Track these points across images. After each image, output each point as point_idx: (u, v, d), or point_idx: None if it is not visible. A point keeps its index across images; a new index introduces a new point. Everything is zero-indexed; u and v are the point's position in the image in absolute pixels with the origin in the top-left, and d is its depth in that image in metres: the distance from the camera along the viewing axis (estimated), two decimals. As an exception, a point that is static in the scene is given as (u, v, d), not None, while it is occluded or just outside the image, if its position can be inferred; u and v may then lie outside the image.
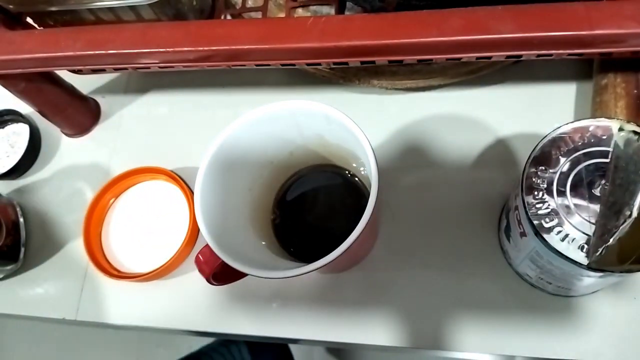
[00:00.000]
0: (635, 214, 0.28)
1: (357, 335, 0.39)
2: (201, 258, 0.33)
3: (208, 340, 0.84)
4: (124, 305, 0.44)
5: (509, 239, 0.36)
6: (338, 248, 0.29)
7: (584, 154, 0.31)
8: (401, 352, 0.40)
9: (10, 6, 0.40)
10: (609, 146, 0.31)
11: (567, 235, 0.29)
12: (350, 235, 0.29)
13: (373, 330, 0.39)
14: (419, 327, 0.38)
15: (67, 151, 0.52)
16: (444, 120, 0.44)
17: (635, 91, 0.37)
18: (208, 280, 0.34)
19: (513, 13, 0.30)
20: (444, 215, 0.41)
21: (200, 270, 0.33)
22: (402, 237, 0.41)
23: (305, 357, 1.07)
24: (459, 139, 0.43)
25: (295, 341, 0.41)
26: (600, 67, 0.40)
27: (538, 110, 0.42)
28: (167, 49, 0.36)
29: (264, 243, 0.36)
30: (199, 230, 0.44)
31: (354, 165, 0.38)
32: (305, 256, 0.30)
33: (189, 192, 0.44)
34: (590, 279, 0.32)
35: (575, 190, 0.30)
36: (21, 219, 0.49)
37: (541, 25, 0.30)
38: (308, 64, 0.37)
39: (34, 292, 0.47)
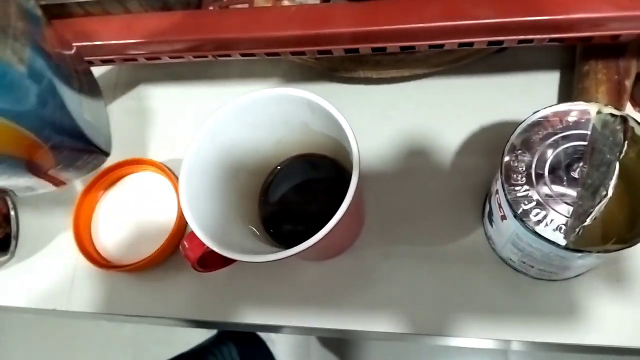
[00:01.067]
0: (610, 193, 0.28)
1: (345, 322, 0.39)
2: (186, 244, 0.33)
3: (202, 338, 0.84)
4: (114, 295, 0.44)
5: (491, 224, 0.37)
6: (318, 233, 0.30)
7: (562, 137, 0.31)
8: (389, 340, 0.41)
9: None
10: (587, 129, 0.31)
11: (545, 217, 0.30)
12: (330, 221, 0.30)
13: (361, 316, 0.39)
14: (405, 312, 0.39)
15: (58, 145, 0.52)
16: (429, 109, 0.44)
17: (616, 77, 0.38)
18: (194, 267, 0.34)
19: (491, -1, 0.31)
20: (430, 202, 0.41)
21: (186, 257, 0.34)
22: (388, 225, 0.41)
23: (303, 352, 1.08)
24: (444, 127, 0.43)
25: (283, 328, 0.42)
26: (582, 54, 0.40)
27: (522, 98, 0.43)
28: (154, 39, 0.36)
29: (251, 228, 0.37)
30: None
31: (340, 153, 0.39)
32: (292, 243, 0.30)
33: (177, 183, 0.45)
34: (571, 261, 0.32)
35: (554, 173, 0.31)
36: (12, 212, 0.49)
37: (519, 10, 0.30)
38: (292, 53, 0.38)
39: (26, 284, 0.47)
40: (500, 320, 0.37)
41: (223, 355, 0.75)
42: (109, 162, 0.47)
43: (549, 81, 0.43)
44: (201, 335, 0.85)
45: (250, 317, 0.41)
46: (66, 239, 0.47)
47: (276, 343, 0.97)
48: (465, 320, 0.38)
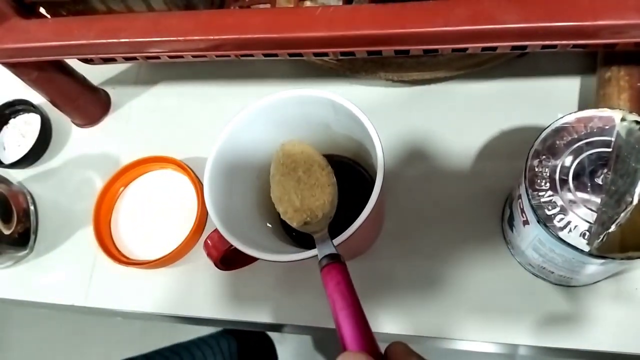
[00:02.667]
0: (635, 200, 0.28)
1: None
2: (209, 242, 0.33)
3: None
4: (132, 292, 0.45)
5: (512, 229, 0.37)
6: (340, 235, 0.30)
7: (586, 143, 0.31)
8: (406, 341, 0.41)
9: (25, -4, 0.41)
10: (611, 136, 0.31)
11: (569, 223, 0.30)
12: (354, 223, 0.30)
13: (377, 319, 0.39)
14: (422, 315, 0.39)
15: (78, 141, 0.53)
16: (449, 112, 0.44)
17: (639, 84, 0.38)
18: (216, 265, 0.35)
19: (518, 3, 0.31)
20: (448, 206, 0.41)
21: (209, 254, 0.34)
22: (406, 228, 0.41)
23: (308, 353, 1.08)
24: (464, 131, 0.43)
25: (298, 328, 0.42)
26: (604, 60, 0.40)
27: (542, 103, 0.43)
28: (178, 38, 0.37)
29: (270, 227, 0.37)
30: (206, 218, 0.45)
31: (360, 154, 0.39)
32: (310, 244, 0.31)
33: (197, 181, 0.45)
34: (592, 267, 0.32)
35: (578, 179, 0.31)
36: (32, 207, 0.50)
37: (545, 16, 0.30)
38: (315, 54, 0.38)
39: (44, 279, 0.48)
40: (517, 325, 0.37)
41: (221, 348, 0.74)
42: (129, 159, 0.48)
43: (569, 87, 0.43)
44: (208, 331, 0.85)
45: (267, 316, 0.41)
46: (85, 235, 0.47)
47: (282, 343, 0.97)
48: (480, 324, 0.38)
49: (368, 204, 0.30)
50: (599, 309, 0.37)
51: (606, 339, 0.36)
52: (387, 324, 0.39)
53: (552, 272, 0.35)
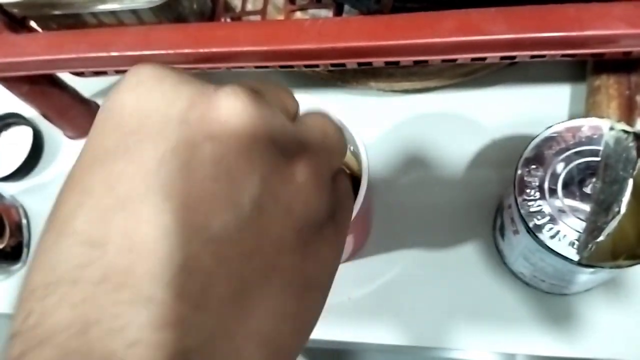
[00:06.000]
0: (623, 210, 0.28)
1: (347, 334, 0.39)
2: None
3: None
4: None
5: (503, 238, 0.37)
6: None
7: (575, 152, 0.32)
8: (396, 352, 0.41)
9: (15, 10, 0.41)
10: (599, 145, 0.31)
11: (558, 232, 0.30)
12: None
13: (366, 328, 0.39)
14: (413, 324, 0.39)
15: (70, 153, 0.53)
16: (440, 121, 0.45)
17: (627, 92, 0.38)
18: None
19: (505, 15, 0.31)
20: (440, 214, 0.41)
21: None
22: (397, 235, 0.41)
23: None
24: (455, 140, 0.43)
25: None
26: (593, 68, 0.41)
27: (533, 112, 0.43)
28: (169, 51, 0.37)
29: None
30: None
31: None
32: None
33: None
34: (583, 276, 0.32)
35: (567, 189, 0.31)
36: (24, 220, 0.49)
37: (533, 26, 0.30)
38: (306, 66, 0.38)
39: (37, 292, 0.47)
40: (509, 334, 0.37)
41: None
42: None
43: (559, 94, 0.44)
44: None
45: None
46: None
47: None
48: (473, 333, 0.38)
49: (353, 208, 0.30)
50: (592, 316, 0.37)
51: (600, 346, 0.36)
52: (375, 334, 0.39)
53: (544, 281, 0.36)
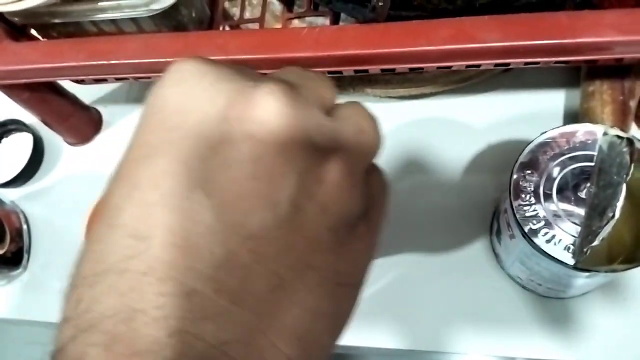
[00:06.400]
0: (617, 214, 0.29)
1: (347, 337, 0.39)
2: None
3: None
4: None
5: (500, 242, 0.37)
6: None
7: (569, 158, 0.32)
8: (394, 356, 0.41)
9: (16, 19, 0.41)
10: (593, 150, 0.32)
11: (553, 237, 0.30)
12: None
13: (364, 331, 0.40)
14: (411, 328, 0.39)
15: (70, 159, 0.53)
16: (436, 127, 0.45)
17: (621, 97, 0.39)
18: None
19: (499, 23, 0.31)
20: (437, 219, 0.42)
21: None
22: (395, 240, 0.42)
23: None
24: (452, 145, 0.44)
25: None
26: (587, 74, 0.41)
27: (528, 117, 0.43)
28: (168, 59, 0.37)
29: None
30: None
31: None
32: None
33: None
34: (579, 280, 0.33)
35: (562, 193, 0.31)
36: (25, 226, 0.50)
37: (526, 34, 0.31)
38: (303, 73, 0.38)
39: (37, 298, 0.48)
40: (507, 338, 0.38)
41: None
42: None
43: (554, 100, 0.44)
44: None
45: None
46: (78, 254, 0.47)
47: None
48: (470, 336, 0.38)
49: None
50: (589, 320, 0.37)
51: (597, 349, 0.36)
52: (372, 338, 0.39)
53: (540, 285, 0.36)
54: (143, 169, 0.15)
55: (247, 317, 0.15)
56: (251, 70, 0.18)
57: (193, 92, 0.16)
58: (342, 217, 0.17)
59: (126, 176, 0.16)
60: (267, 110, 0.16)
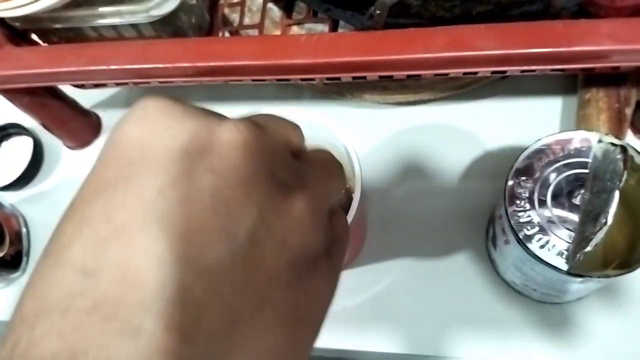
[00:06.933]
0: (610, 220, 0.29)
1: (344, 342, 0.40)
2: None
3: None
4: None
5: (495, 247, 0.38)
6: None
7: (564, 164, 0.32)
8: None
9: (17, 24, 0.42)
10: (588, 157, 0.32)
11: (547, 242, 0.30)
12: None
13: (361, 336, 0.40)
14: (407, 333, 0.39)
15: (69, 163, 0.53)
16: (433, 133, 0.45)
17: (617, 105, 0.39)
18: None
19: (495, 31, 0.32)
20: (433, 224, 0.42)
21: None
22: (391, 245, 0.42)
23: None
24: (448, 152, 0.44)
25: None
26: (583, 82, 0.41)
27: (525, 124, 0.44)
28: (167, 65, 0.37)
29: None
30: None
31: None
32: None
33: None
34: (573, 285, 0.33)
35: (556, 200, 0.32)
36: (24, 229, 0.50)
37: (522, 42, 0.31)
38: (302, 79, 0.39)
39: (36, 301, 0.48)
40: (502, 342, 0.38)
41: None
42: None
43: (551, 107, 0.44)
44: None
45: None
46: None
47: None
48: (466, 341, 0.38)
49: (347, 217, 0.31)
50: (584, 325, 0.37)
51: (592, 354, 0.37)
52: (370, 342, 0.40)
53: (535, 290, 0.36)
54: (96, 202, 0.15)
55: (199, 356, 0.14)
56: (218, 113, 0.17)
57: (156, 128, 0.16)
58: (302, 252, 0.17)
59: (77, 211, 0.15)
60: (229, 143, 0.15)
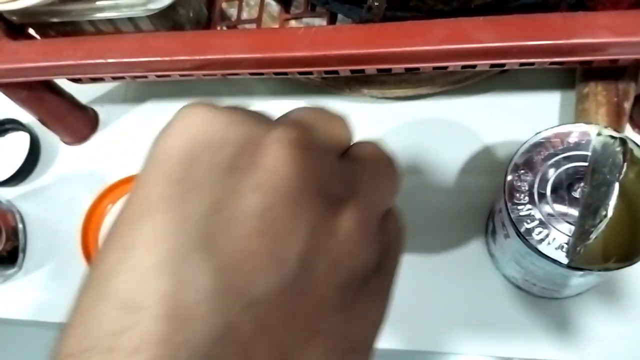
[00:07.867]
0: (610, 213, 0.29)
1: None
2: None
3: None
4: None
5: (495, 242, 0.37)
6: None
7: (563, 157, 0.32)
8: (388, 357, 0.41)
9: (14, 18, 0.41)
10: (587, 150, 0.32)
11: (547, 236, 0.30)
12: None
13: (363, 332, 0.40)
14: (406, 328, 0.39)
15: (66, 159, 0.53)
16: (432, 128, 0.45)
17: (615, 99, 0.39)
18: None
19: (493, 23, 0.32)
20: (433, 219, 0.42)
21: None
22: (391, 241, 0.42)
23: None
24: (448, 146, 0.44)
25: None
26: (582, 76, 0.41)
27: (524, 118, 0.44)
28: (165, 58, 0.37)
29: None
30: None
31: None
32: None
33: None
34: (573, 279, 0.33)
35: (556, 193, 0.31)
36: (20, 225, 0.50)
37: (520, 35, 0.31)
38: (300, 73, 0.38)
39: (33, 297, 0.48)
40: (502, 338, 0.38)
41: None
42: (117, 176, 0.48)
43: (550, 101, 0.44)
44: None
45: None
46: (74, 253, 0.47)
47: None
48: (466, 337, 0.38)
49: None
50: (584, 320, 0.37)
51: (591, 350, 0.37)
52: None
53: (535, 285, 0.36)
54: (139, 229, 0.14)
55: None
56: (262, 114, 0.17)
57: (199, 141, 0.15)
58: (354, 274, 0.16)
59: (120, 238, 0.14)
60: (277, 158, 0.14)
